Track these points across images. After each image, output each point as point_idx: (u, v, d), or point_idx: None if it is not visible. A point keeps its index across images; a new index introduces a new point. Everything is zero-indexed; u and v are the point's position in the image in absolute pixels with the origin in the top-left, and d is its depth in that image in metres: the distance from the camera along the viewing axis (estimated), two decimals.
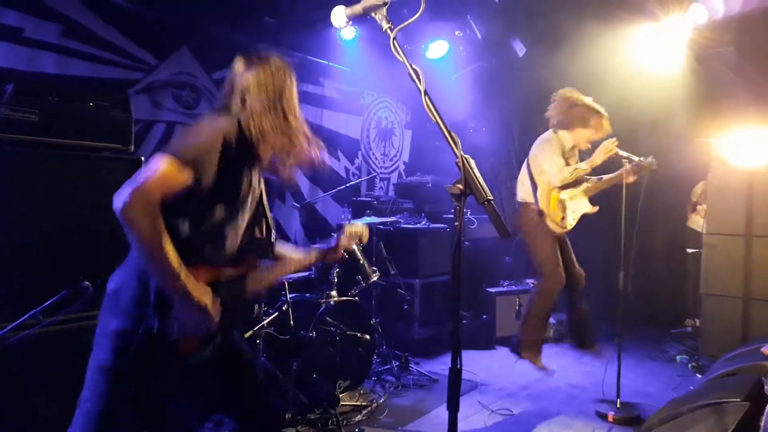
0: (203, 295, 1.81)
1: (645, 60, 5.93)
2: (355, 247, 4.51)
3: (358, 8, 1.69)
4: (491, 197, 1.45)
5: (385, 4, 1.63)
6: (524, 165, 4.52)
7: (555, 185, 4.24)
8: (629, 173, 4.17)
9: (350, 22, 1.75)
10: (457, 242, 1.47)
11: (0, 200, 2.78)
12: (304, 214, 5.55)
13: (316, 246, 2.46)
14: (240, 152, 1.88)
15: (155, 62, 4.80)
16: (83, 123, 3.10)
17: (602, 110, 4.33)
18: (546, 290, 4.36)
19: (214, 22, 5.09)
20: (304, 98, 6.38)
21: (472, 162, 1.49)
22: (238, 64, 2.05)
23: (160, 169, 1.67)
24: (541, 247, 4.33)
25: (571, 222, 4.39)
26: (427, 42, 6.57)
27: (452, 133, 1.52)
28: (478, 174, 1.48)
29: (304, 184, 6.32)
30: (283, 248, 2.33)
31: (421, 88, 1.55)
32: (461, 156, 1.48)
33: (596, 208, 4.44)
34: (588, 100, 4.35)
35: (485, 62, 6.99)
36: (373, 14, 1.66)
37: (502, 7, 6.02)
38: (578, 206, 4.44)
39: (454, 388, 1.48)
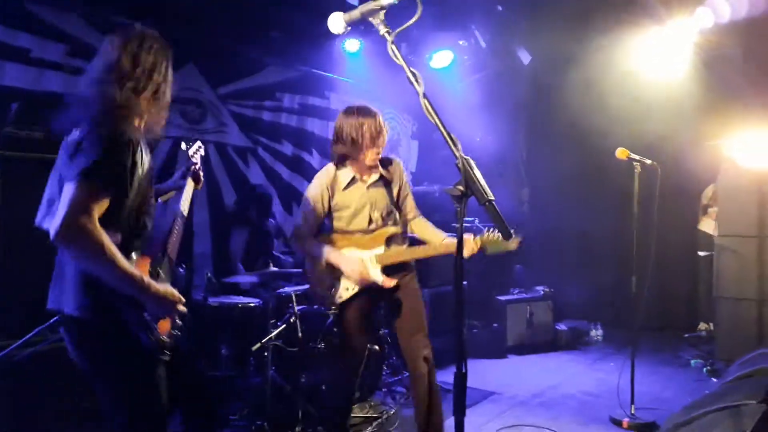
0: (159, 284, 1.88)
1: (652, 64, 5.92)
2: None
3: (356, 13, 1.69)
4: (492, 198, 1.44)
5: (382, 8, 1.63)
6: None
7: None
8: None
9: (349, 28, 1.74)
10: (459, 244, 1.45)
11: (6, 216, 2.80)
12: None
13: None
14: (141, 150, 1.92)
15: None
16: None
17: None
18: None
19: (220, 37, 5.13)
20: (310, 111, 6.41)
21: (473, 163, 1.48)
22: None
23: (81, 192, 1.70)
24: None
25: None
26: (431, 52, 6.59)
27: (452, 135, 1.51)
28: (478, 175, 1.46)
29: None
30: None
31: (420, 90, 1.55)
32: (461, 157, 1.47)
33: None
34: None
35: (490, 71, 6.99)
36: (371, 19, 1.66)
37: (506, 16, 6.04)
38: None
39: (460, 392, 1.46)
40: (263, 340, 3.80)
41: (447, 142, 1.50)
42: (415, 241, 3.32)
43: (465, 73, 7.07)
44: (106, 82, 1.91)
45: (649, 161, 4.04)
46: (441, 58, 6.60)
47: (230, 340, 4.13)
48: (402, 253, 3.16)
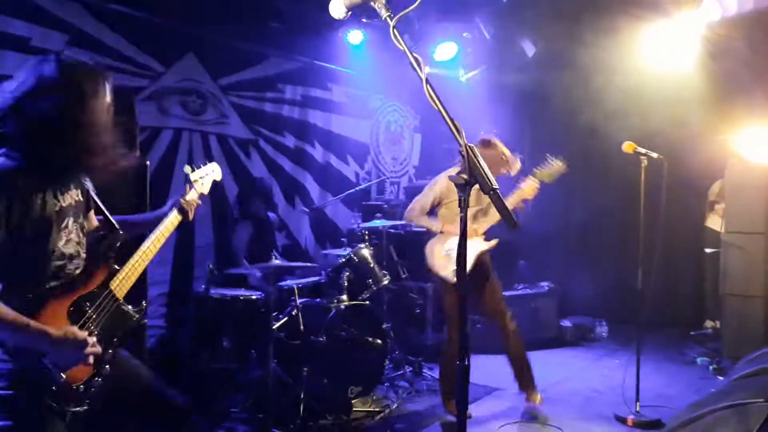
0: (59, 329, 1.76)
1: (658, 57, 5.84)
2: (366, 251, 4.47)
3: None
4: (497, 186, 1.39)
5: None
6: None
7: None
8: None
9: (349, 13, 1.69)
10: (462, 232, 1.40)
11: None
12: (313, 219, 5.51)
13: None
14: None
15: (161, 69, 4.80)
16: None
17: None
18: None
19: (220, 28, 5.08)
20: (312, 103, 6.36)
21: (477, 151, 1.43)
22: None
23: None
24: None
25: None
26: (435, 44, 6.52)
27: (455, 122, 1.46)
28: (483, 163, 1.42)
29: (313, 189, 6.29)
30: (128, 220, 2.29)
31: (423, 76, 1.50)
32: (465, 144, 1.42)
33: None
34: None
35: (494, 63, 6.92)
36: (372, 3, 1.61)
37: (510, 7, 5.97)
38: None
39: (463, 385, 1.42)
40: (264, 333, 3.77)
41: (451, 129, 1.45)
42: None
43: (469, 66, 7.00)
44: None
45: (655, 155, 3.98)
46: (445, 51, 6.53)
47: (232, 333, 4.10)
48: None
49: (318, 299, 4.33)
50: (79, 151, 1.87)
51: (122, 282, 2.05)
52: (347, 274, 4.34)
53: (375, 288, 4.35)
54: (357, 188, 5.52)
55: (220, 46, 5.22)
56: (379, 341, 4.20)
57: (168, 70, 4.86)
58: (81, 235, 2.01)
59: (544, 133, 7.64)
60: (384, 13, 1.58)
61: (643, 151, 4.01)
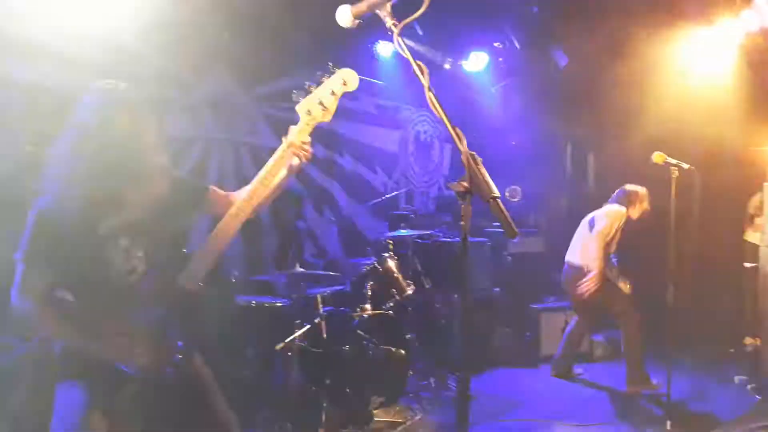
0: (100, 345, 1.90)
1: (695, 67, 5.72)
2: (390, 261, 4.46)
3: (362, 6, 1.64)
4: (497, 194, 1.38)
5: (389, 0, 1.59)
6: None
7: None
8: None
9: (357, 21, 1.70)
10: (463, 241, 1.39)
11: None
12: (341, 228, 5.54)
13: None
14: None
15: (192, 80, 4.91)
16: None
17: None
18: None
19: (250, 39, 5.17)
20: (341, 113, 6.39)
21: (478, 159, 1.42)
22: None
23: None
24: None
25: None
26: (466, 54, 6.51)
27: (457, 129, 1.45)
28: (484, 171, 1.40)
29: (341, 198, 6.32)
30: None
31: (425, 83, 1.50)
32: (465, 152, 1.41)
33: None
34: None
35: (526, 73, 6.87)
36: (378, 11, 1.61)
37: (541, 17, 5.92)
38: None
39: (463, 402, 1.40)
40: (287, 340, 3.79)
41: (452, 136, 1.45)
42: None
43: (500, 76, 6.96)
44: None
45: (686, 165, 3.87)
46: (476, 61, 6.51)
47: (256, 340, 4.13)
48: None
49: (342, 308, 4.33)
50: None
51: (196, 267, 2.01)
52: (371, 283, 4.34)
53: (399, 298, 4.34)
54: (383, 198, 5.51)
55: (251, 56, 5.32)
56: (402, 351, 4.16)
57: (199, 80, 4.97)
58: (146, 249, 2.02)
59: (579, 145, 7.52)
60: (389, 22, 1.59)
61: (673, 161, 3.91)
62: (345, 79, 2.11)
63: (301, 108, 2.10)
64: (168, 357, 2.00)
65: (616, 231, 4.79)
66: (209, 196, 2.22)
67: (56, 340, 1.98)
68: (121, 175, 1.93)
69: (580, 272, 4.80)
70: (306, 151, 2.13)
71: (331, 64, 2.06)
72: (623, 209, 4.83)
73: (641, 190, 4.91)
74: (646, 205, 4.90)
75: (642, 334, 4.72)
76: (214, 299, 2.12)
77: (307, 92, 2.08)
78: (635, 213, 4.89)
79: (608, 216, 4.82)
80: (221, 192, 2.26)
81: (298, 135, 2.11)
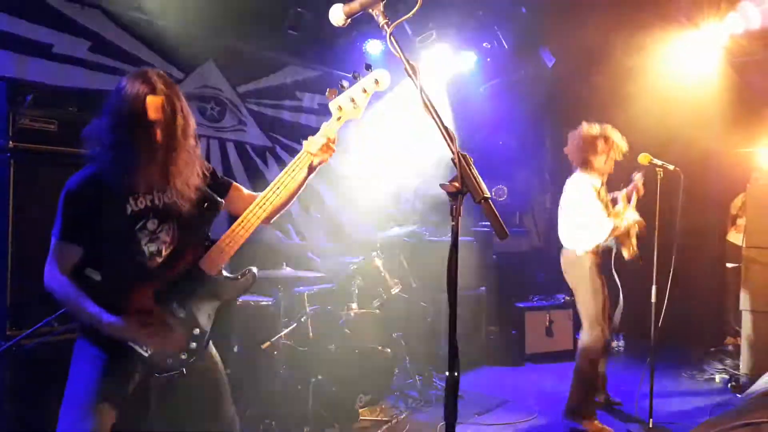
0: (126, 315, 1.93)
1: (680, 69, 5.77)
2: (377, 260, 4.47)
3: (355, 5, 1.65)
4: (488, 195, 1.38)
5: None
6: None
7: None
8: None
9: (349, 20, 1.70)
10: (453, 243, 1.40)
11: (18, 208, 2.82)
12: (327, 224, 5.52)
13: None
14: None
15: (181, 76, 4.87)
16: None
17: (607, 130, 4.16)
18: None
19: (239, 35, 5.14)
20: (327, 111, 6.38)
21: (470, 159, 1.43)
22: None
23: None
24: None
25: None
26: (453, 54, 6.50)
27: (448, 130, 1.46)
28: (475, 172, 1.41)
29: (329, 197, 6.30)
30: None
31: (418, 84, 1.50)
32: (457, 152, 1.41)
33: None
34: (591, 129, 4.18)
35: (514, 73, 6.89)
36: (370, 10, 1.62)
37: (530, 18, 5.93)
38: None
39: (452, 397, 1.41)
40: (272, 338, 3.79)
41: (443, 137, 1.45)
42: None
43: (488, 76, 6.98)
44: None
45: (671, 167, 3.92)
46: (464, 61, 6.51)
47: (241, 338, 4.12)
48: None
49: (328, 306, 4.33)
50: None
51: (216, 257, 2.07)
52: (358, 282, 4.34)
53: (385, 296, 4.34)
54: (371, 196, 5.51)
55: (239, 53, 5.28)
56: (388, 350, 4.18)
57: (187, 76, 4.93)
58: (172, 233, 2.08)
59: (563, 145, 7.57)
60: (381, 21, 1.59)
61: (659, 163, 3.95)
62: (378, 79, 2.12)
63: (333, 104, 2.14)
64: (185, 342, 2.04)
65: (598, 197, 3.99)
66: (232, 192, 2.28)
67: (79, 317, 1.99)
68: (156, 158, 1.96)
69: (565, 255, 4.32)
70: (332, 149, 2.18)
71: (366, 64, 2.12)
72: (577, 176, 4.15)
73: (594, 130, 4.12)
74: (612, 143, 4.07)
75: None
76: (231, 288, 2.15)
77: (341, 90, 2.12)
78: (602, 162, 4.08)
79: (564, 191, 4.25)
80: (245, 191, 2.33)
81: (328, 130, 2.15)
